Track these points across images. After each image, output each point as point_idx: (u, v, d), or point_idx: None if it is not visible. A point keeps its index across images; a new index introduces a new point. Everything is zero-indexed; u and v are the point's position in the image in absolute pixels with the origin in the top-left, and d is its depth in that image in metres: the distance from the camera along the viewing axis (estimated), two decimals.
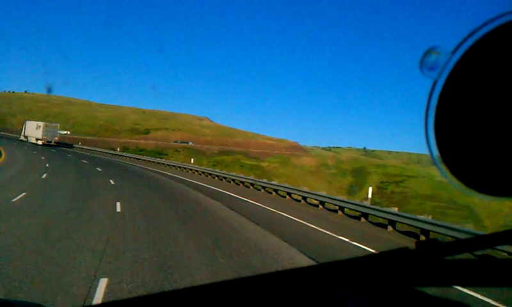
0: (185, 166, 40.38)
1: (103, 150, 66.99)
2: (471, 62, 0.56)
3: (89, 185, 21.16)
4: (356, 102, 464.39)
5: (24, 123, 70.12)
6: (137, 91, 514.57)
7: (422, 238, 13.12)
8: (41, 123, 63.05)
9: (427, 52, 0.58)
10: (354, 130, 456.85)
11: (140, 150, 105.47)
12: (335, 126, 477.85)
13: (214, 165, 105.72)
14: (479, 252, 6.93)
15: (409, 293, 0.93)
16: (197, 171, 36.75)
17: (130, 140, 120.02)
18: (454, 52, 0.57)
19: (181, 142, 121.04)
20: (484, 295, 7.19)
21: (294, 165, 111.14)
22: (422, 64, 0.58)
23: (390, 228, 15.07)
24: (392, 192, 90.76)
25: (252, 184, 26.97)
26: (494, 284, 0.60)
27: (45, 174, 23.80)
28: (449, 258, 0.62)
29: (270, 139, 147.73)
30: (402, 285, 0.66)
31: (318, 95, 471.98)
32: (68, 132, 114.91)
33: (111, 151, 66.31)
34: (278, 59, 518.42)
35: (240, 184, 28.45)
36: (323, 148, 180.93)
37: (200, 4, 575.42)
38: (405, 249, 0.62)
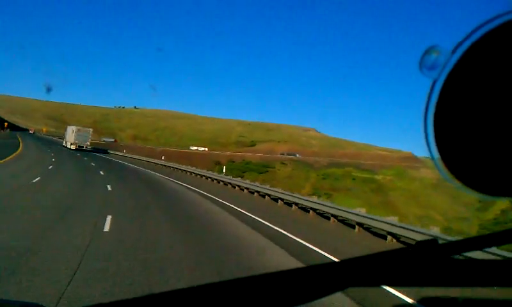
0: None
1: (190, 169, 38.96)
2: (471, 62, 0.56)
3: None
4: None
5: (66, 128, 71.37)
6: (241, 102, 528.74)
7: None
8: (74, 128, 62.44)
9: (427, 52, 0.57)
10: None
11: (246, 163, 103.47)
12: None
13: (324, 179, 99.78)
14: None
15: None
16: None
17: (235, 153, 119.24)
18: (453, 51, 0.56)
19: (287, 154, 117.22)
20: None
21: (413, 178, 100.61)
22: (421, 63, 0.57)
23: None
24: None
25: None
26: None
27: (38, 178, 20.64)
28: (448, 258, 0.62)
29: (383, 149, 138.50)
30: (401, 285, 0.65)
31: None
32: (206, 149, 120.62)
33: (205, 172, 35.03)
34: (382, 68, 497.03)
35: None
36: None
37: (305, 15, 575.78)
38: (405, 249, 0.75)
